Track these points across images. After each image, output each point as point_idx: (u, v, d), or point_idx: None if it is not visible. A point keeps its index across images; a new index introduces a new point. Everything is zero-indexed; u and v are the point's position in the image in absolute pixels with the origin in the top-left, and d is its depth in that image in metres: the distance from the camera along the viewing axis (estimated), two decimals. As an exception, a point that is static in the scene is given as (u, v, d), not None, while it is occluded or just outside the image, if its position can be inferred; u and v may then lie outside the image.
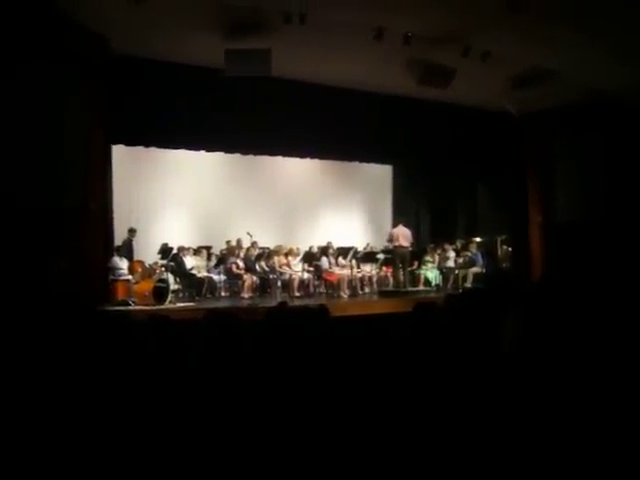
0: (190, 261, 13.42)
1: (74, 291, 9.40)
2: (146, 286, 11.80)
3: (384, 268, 15.74)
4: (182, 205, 15.75)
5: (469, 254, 16.13)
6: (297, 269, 14.29)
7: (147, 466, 2.00)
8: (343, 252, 15.04)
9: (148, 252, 13.41)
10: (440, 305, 2.57)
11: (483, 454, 1.67)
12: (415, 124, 14.84)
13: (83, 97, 10.66)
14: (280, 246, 14.81)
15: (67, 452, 2.01)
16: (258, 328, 2.42)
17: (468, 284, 15.26)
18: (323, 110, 13.62)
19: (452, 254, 16.30)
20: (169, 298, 11.91)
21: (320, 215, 17.98)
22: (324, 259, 14.70)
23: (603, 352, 1.66)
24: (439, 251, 16.48)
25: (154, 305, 11.26)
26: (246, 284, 13.63)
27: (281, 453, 1.89)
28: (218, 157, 15.63)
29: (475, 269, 15.74)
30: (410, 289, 14.76)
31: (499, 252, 16.84)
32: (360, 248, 15.78)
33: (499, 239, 16.81)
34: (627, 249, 13.24)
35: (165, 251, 12.86)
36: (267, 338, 2.17)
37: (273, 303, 10.90)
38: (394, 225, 16.62)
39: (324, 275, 14.54)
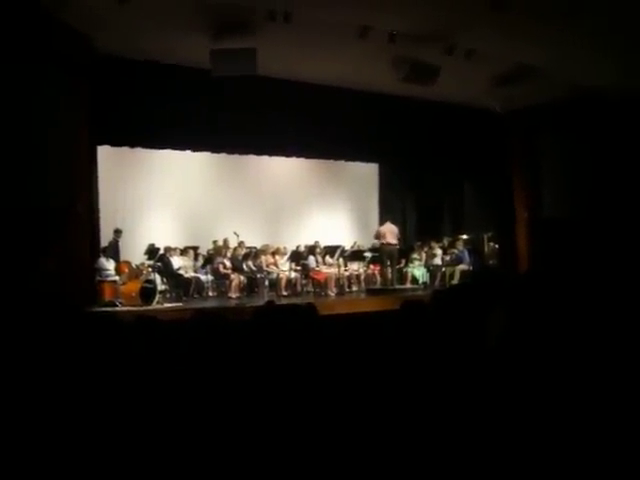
0: (177, 261, 13.40)
1: (60, 292, 9.34)
2: (133, 287, 11.77)
3: (371, 266, 15.76)
4: (168, 205, 15.72)
5: (456, 251, 16.19)
6: (284, 268, 14.29)
7: (135, 466, 1.99)
8: (330, 251, 15.06)
9: (135, 253, 13.38)
10: (427, 302, 2.58)
11: (473, 450, 1.68)
12: (401, 122, 14.84)
13: (68, 97, 10.59)
14: (267, 245, 14.80)
15: (53, 453, 2.00)
16: (246, 328, 2.41)
17: (455, 281, 15.30)
18: (309, 109, 13.60)
19: (439, 252, 16.35)
20: (156, 299, 11.88)
21: (307, 214, 18.00)
22: (311, 258, 14.71)
23: (590, 345, 1.66)
24: (426, 249, 16.53)
25: (141, 306, 11.23)
26: (233, 284, 13.62)
27: (270, 451, 1.89)
28: (204, 157, 15.61)
29: (462, 266, 15.79)
30: (398, 287, 14.77)
31: (486, 249, 16.90)
32: (347, 247, 15.82)
33: (485, 236, 16.87)
34: (612, 245, 13.30)
35: (152, 252, 12.83)
36: (255, 337, 2.17)
37: (261, 302, 10.88)
38: (381, 223, 16.67)
39: (311, 274, 14.54)
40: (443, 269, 15.98)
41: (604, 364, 1.66)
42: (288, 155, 16.02)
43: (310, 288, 14.73)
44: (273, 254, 14.54)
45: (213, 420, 2.05)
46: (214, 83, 11.33)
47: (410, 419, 1.88)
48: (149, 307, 11.26)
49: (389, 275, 14.65)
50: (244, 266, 14.09)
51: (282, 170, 17.33)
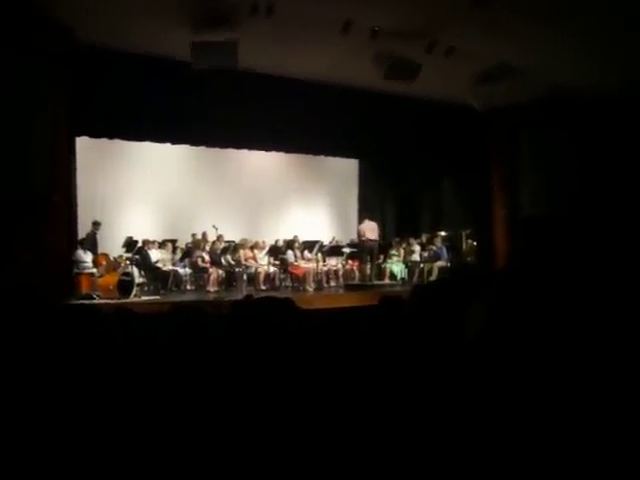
0: (155, 254, 13.36)
1: (37, 285, 9.27)
2: (111, 279, 11.72)
3: (350, 262, 15.78)
4: (147, 198, 15.66)
5: (434, 248, 16.25)
6: (263, 263, 14.27)
7: (112, 459, 1.99)
8: (309, 246, 15.05)
9: (113, 245, 13.32)
10: (406, 298, 2.59)
11: (453, 446, 1.69)
12: (381, 118, 14.86)
13: (48, 88, 10.50)
14: (246, 239, 14.77)
15: (30, 446, 1.99)
16: (224, 321, 2.41)
17: (433, 278, 15.35)
18: (289, 103, 13.58)
19: (417, 248, 16.40)
20: (134, 292, 11.84)
21: (286, 209, 18.00)
22: (290, 253, 14.71)
23: (571, 339, 1.68)
24: (404, 245, 16.58)
25: (119, 299, 11.19)
26: (212, 277, 13.59)
27: (249, 445, 1.89)
28: (183, 150, 15.55)
29: (440, 263, 15.85)
30: (376, 283, 14.82)
31: (464, 246, 16.97)
32: (326, 242, 15.82)
33: (464, 233, 16.94)
34: (591, 243, 13.42)
35: (130, 244, 12.77)
36: (233, 330, 2.18)
37: (239, 297, 10.87)
38: (359, 221, 16.71)
39: (290, 269, 14.54)
40: (421, 265, 16.03)
41: (586, 358, 1.67)
42: (268, 149, 15.99)
43: (288, 283, 14.72)
44: (252, 248, 14.51)
45: (192, 412, 2.05)
46: (194, 76, 11.28)
47: (389, 413, 1.89)
48: (127, 300, 11.22)
49: (368, 271, 14.69)
50: (222, 260, 14.06)
51: (262, 164, 17.30)
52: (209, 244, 14.55)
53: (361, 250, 14.83)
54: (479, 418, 1.64)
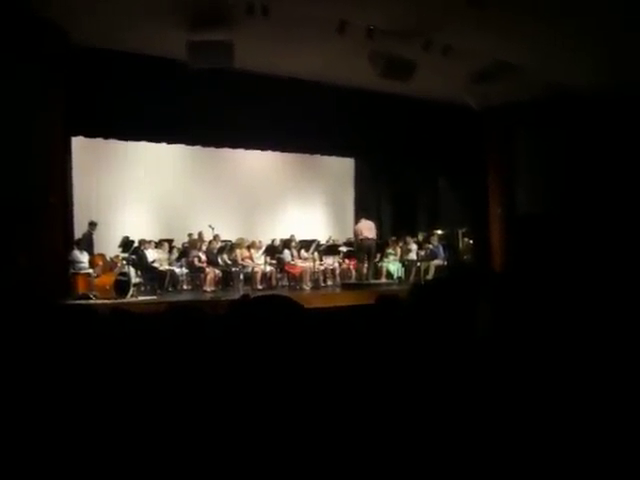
0: (152, 254, 13.35)
1: (34, 285, 9.26)
2: (107, 280, 11.71)
3: (347, 261, 15.78)
4: (143, 198, 15.66)
5: (431, 247, 16.26)
6: (259, 262, 14.27)
7: (107, 457, 1.99)
8: (305, 245, 15.05)
9: (109, 245, 13.30)
10: (403, 297, 2.59)
11: (454, 443, 1.69)
12: (377, 117, 14.86)
13: (43, 88, 10.48)
14: (242, 239, 14.75)
15: (25, 444, 1.99)
16: (222, 321, 2.41)
17: (430, 276, 15.36)
18: (285, 103, 13.57)
19: (414, 247, 16.41)
20: (131, 292, 11.84)
21: (282, 208, 18.00)
22: (286, 252, 14.71)
23: (570, 338, 1.69)
24: (401, 244, 16.58)
25: (115, 299, 11.19)
26: (208, 277, 13.58)
27: (247, 443, 1.89)
28: (179, 149, 15.56)
29: (437, 261, 15.86)
30: (372, 282, 14.82)
31: (460, 245, 16.99)
32: (322, 241, 15.82)
33: (460, 232, 16.96)
34: (586, 241, 13.45)
35: (126, 244, 12.76)
36: (231, 330, 2.17)
37: (236, 296, 10.86)
38: (356, 220, 16.71)
39: (286, 268, 14.54)
40: (418, 264, 16.04)
41: (586, 357, 1.68)
42: (264, 149, 16.00)
43: (285, 282, 14.73)
44: (248, 248, 14.51)
45: (190, 412, 2.05)
46: (190, 76, 11.26)
47: (387, 411, 1.89)
48: (123, 300, 11.21)
49: (364, 270, 14.68)
50: (219, 260, 14.05)
51: (258, 163, 17.31)
52: (205, 244, 14.53)
53: (358, 249, 14.82)
54: (482, 415, 1.64)
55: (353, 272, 15.54)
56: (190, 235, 14.98)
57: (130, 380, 2.34)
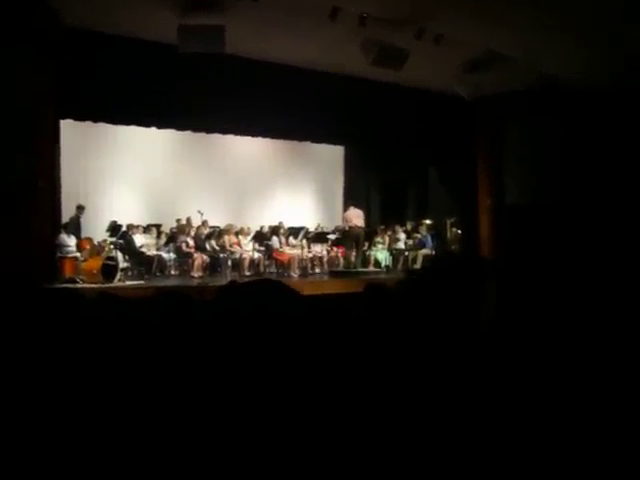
0: (139, 239, 13.31)
1: (20, 269, 9.21)
2: (94, 264, 11.65)
3: (335, 248, 15.79)
4: (132, 182, 15.61)
5: (419, 236, 16.31)
6: (248, 248, 14.24)
7: (95, 447, 1.97)
8: (294, 232, 15.04)
9: (97, 229, 13.26)
10: (391, 286, 2.59)
11: (451, 439, 1.69)
12: (368, 105, 14.82)
13: (32, 70, 10.38)
14: (231, 225, 14.72)
15: (13, 438, 1.98)
16: (209, 306, 2.40)
17: (418, 265, 15.39)
18: (276, 89, 13.52)
19: (402, 236, 16.45)
20: (118, 276, 11.79)
21: (271, 194, 18.00)
22: (275, 239, 14.69)
23: (563, 330, 1.68)
24: (389, 232, 16.61)
25: (103, 283, 11.14)
26: (196, 263, 13.55)
27: (237, 433, 1.88)
28: (169, 134, 15.49)
29: (425, 251, 15.90)
30: (360, 270, 14.82)
31: (448, 234, 17.02)
32: (311, 228, 15.82)
33: (449, 221, 16.98)
34: (576, 232, 13.51)
35: (114, 229, 12.71)
36: (220, 315, 2.16)
37: (223, 282, 10.84)
38: (345, 208, 16.71)
39: (275, 255, 14.52)
40: (406, 253, 16.08)
41: (577, 347, 1.68)
42: (254, 135, 15.96)
43: (273, 269, 14.71)
44: (236, 234, 14.48)
45: (179, 398, 2.04)
46: (181, 60, 11.19)
47: (376, 401, 1.89)
48: (110, 285, 11.16)
49: (353, 258, 14.69)
50: (207, 245, 14.03)
51: (247, 150, 17.27)
52: (194, 229, 14.51)
53: (346, 237, 14.82)
54: (473, 403, 1.64)
55: (341, 260, 15.54)
56: (178, 220, 14.93)
57: (117, 365, 2.33)
